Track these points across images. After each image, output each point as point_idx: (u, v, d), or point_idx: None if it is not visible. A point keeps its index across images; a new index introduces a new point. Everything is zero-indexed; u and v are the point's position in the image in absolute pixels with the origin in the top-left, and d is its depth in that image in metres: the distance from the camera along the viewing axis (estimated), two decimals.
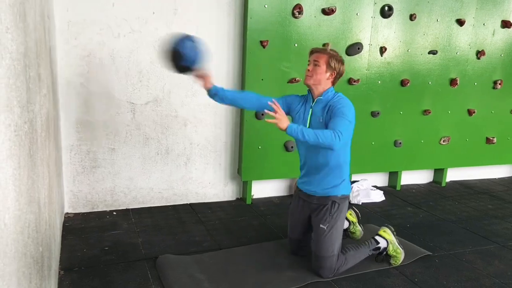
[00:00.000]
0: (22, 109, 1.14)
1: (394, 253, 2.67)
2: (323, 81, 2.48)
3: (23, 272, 1.08)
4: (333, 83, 2.54)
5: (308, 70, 2.51)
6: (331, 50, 2.52)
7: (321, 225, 2.54)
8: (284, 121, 2.27)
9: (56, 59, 3.06)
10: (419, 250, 2.94)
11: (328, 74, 2.48)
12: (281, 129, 2.26)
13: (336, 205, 2.55)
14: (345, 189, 2.59)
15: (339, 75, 2.53)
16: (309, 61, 2.53)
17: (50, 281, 1.91)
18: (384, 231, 2.73)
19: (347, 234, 3.05)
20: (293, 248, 2.83)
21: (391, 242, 2.67)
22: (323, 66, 2.46)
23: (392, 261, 2.68)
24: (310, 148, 2.54)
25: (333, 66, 2.46)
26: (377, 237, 2.70)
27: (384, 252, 2.67)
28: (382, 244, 2.66)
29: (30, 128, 1.31)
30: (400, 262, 2.68)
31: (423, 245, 3.05)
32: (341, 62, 2.51)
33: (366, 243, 2.67)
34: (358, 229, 3.08)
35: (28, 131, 1.27)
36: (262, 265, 2.69)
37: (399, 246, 2.69)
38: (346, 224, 3.08)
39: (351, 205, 3.20)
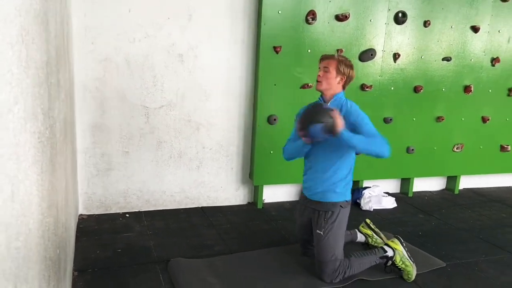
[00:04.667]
0: (44, 116, 1.18)
1: (403, 266, 2.60)
2: (334, 85, 2.55)
3: (44, 275, 1.11)
4: (344, 88, 2.61)
5: (319, 76, 2.58)
6: (339, 55, 2.60)
7: (317, 231, 2.58)
8: (341, 124, 2.33)
9: (73, 64, 3.11)
10: (433, 261, 2.91)
11: (338, 78, 2.55)
12: (336, 131, 2.32)
13: (331, 211, 2.58)
14: (344, 195, 2.61)
15: (349, 79, 2.59)
16: (319, 68, 2.61)
17: (65, 283, 1.94)
18: (393, 241, 2.70)
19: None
20: (301, 248, 2.88)
21: (398, 253, 2.62)
22: (333, 72, 2.53)
23: (404, 276, 2.62)
24: (320, 153, 2.59)
25: (342, 70, 2.53)
26: (385, 246, 2.69)
27: (390, 262, 2.63)
28: (389, 253, 2.63)
29: (51, 133, 1.35)
30: (413, 277, 2.60)
31: (435, 254, 3.03)
32: (351, 66, 2.57)
33: (374, 251, 2.66)
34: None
35: (49, 136, 1.31)
36: (273, 270, 2.70)
37: (408, 259, 2.62)
38: (362, 238, 3.06)
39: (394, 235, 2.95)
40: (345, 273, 2.54)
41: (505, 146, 4.50)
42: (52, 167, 1.37)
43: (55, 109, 1.56)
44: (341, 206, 2.59)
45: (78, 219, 3.35)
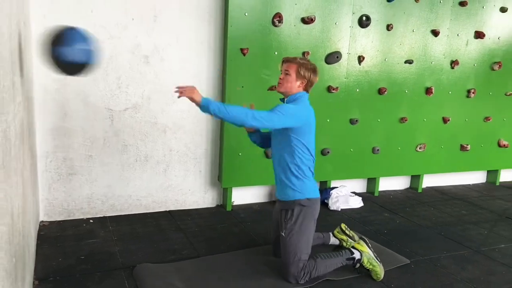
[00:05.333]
0: None
1: (371, 266, 2.65)
2: (294, 88, 2.57)
3: None
4: (306, 90, 2.61)
5: (280, 78, 2.61)
6: (301, 59, 2.60)
7: (280, 232, 2.60)
8: (195, 92, 2.27)
9: (32, 65, 3.01)
10: (397, 258, 2.98)
11: (298, 82, 2.57)
12: (195, 101, 2.27)
13: (291, 209, 2.58)
14: (303, 192, 2.58)
15: (310, 83, 2.60)
16: (281, 70, 2.63)
17: None
18: (359, 243, 2.75)
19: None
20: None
21: (365, 255, 2.67)
22: (293, 75, 2.55)
23: (373, 276, 2.66)
24: (274, 150, 2.63)
25: (302, 74, 2.55)
26: (351, 249, 2.72)
27: (358, 264, 2.68)
28: (356, 255, 2.66)
29: (3, 138, 1.29)
30: (382, 276, 2.65)
31: (399, 251, 3.11)
32: (312, 70, 2.57)
33: (341, 252, 2.68)
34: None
35: (1, 141, 1.25)
36: (241, 273, 2.69)
37: (375, 259, 2.67)
38: (335, 242, 3.02)
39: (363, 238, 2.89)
40: (310, 274, 2.55)
41: (465, 146, 4.68)
42: (5, 173, 1.31)
43: (9, 112, 1.49)
44: (301, 204, 2.56)
45: (39, 226, 3.23)
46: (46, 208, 3.33)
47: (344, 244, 2.98)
